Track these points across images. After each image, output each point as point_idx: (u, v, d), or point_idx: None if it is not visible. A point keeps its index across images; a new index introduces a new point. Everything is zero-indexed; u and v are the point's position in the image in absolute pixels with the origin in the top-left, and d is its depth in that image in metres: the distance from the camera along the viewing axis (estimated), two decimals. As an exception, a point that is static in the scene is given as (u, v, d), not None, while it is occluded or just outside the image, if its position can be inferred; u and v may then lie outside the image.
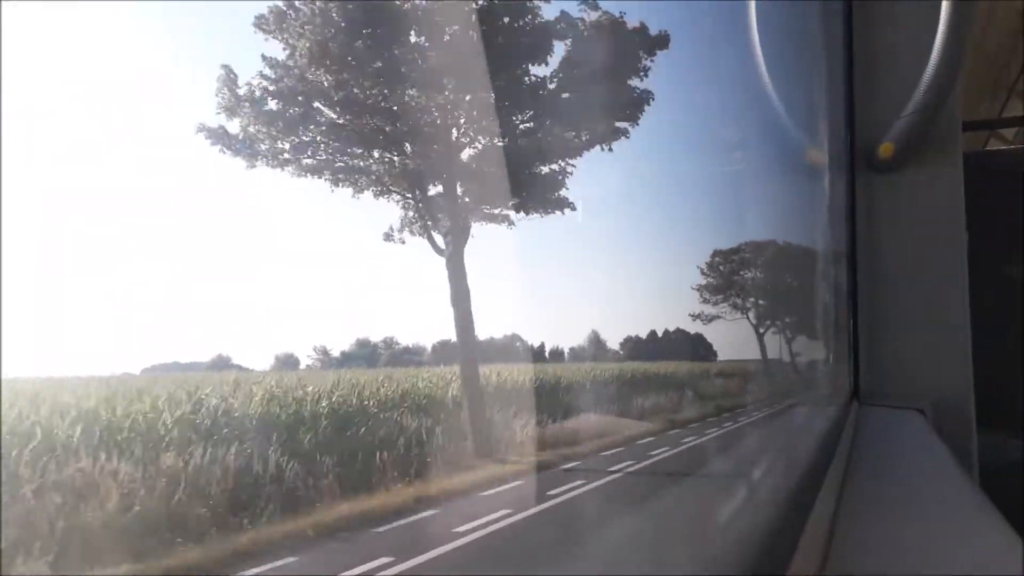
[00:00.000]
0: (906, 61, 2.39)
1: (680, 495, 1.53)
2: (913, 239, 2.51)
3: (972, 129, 6.17)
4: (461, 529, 2.41)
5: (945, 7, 2.11)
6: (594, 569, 0.73)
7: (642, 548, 0.77)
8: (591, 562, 0.74)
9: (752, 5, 1.87)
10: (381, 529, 2.52)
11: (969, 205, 2.47)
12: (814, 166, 2.51)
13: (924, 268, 2.49)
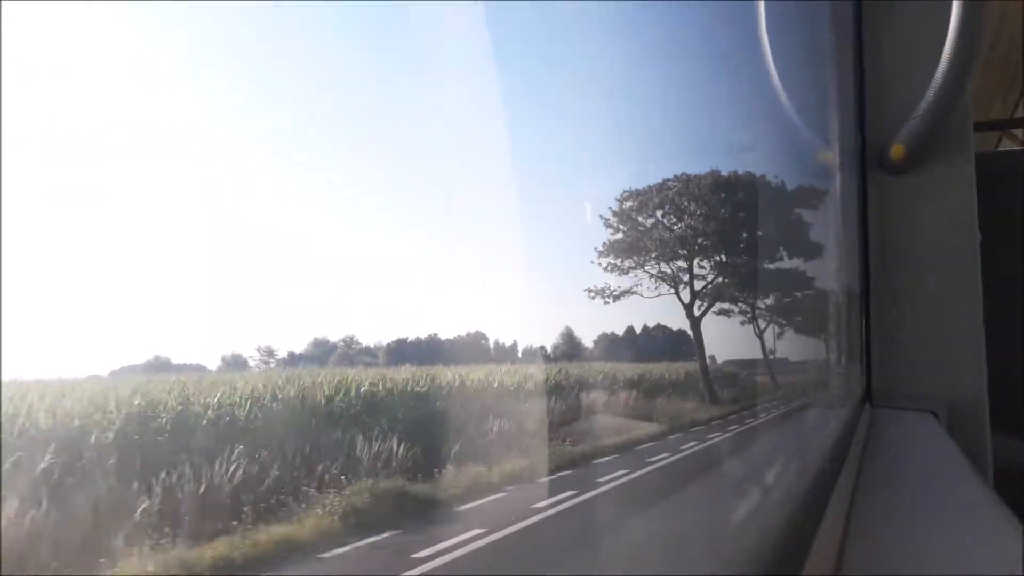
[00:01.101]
0: (916, 62, 2.38)
1: (694, 496, 1.52)
2: (925, 240, 2.50)
3: (984, 130, 6.13)
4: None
5: (955, 7, 2.10)
6: (612, 569, 0.74)
7: (659, 548, 0.77)
8: (608, 562, 0.75)
9: (761, 6, 1.87)
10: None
11: (981, 206, 2.46)
12: (825, 168, 2.50)
13: (937, 269, 2.48)
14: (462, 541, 1.17)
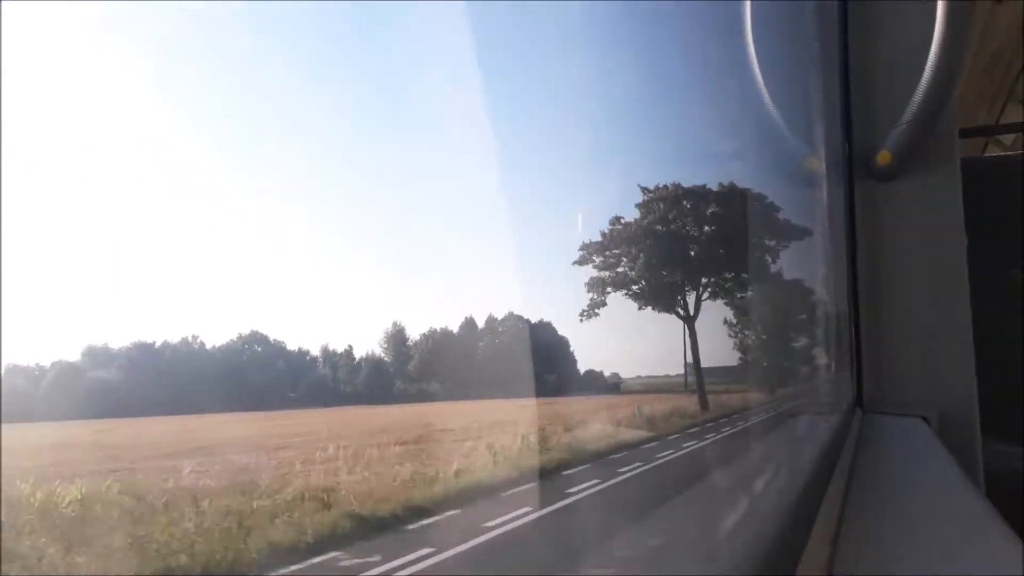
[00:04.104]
0: (903, 69, 2.40)
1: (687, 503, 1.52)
2: (913, 246, 2.52)
3: (969, 136, 6.18)
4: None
5: (941, 14, 2.12)
6: (604, 572, 0.73)
7: (651, 552, 0.77)
8: (600, 566, 0.74)
9: (747, 13, 1.88)
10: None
11: (968, 211, 2.47)
12: (812, 175, 2.52)
13: (925, 275, 2.49)
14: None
